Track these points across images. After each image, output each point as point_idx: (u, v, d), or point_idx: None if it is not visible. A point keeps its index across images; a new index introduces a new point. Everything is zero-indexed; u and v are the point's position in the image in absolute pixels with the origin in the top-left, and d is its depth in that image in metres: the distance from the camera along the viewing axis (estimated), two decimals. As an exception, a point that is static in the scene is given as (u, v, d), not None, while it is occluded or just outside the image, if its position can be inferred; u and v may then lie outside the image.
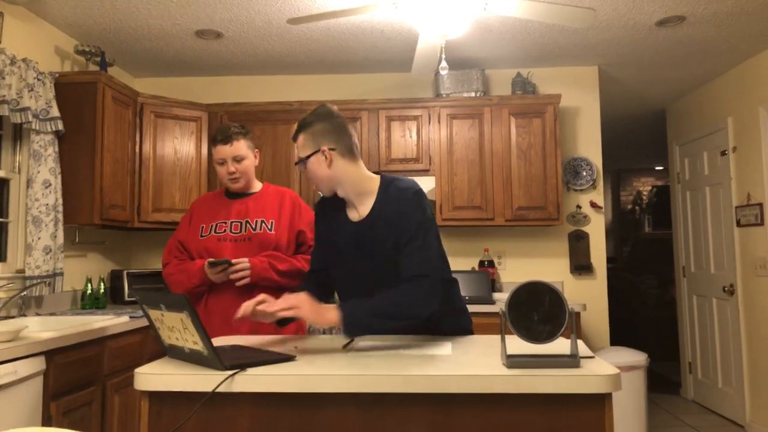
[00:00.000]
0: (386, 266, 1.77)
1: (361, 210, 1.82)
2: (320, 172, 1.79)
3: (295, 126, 1.90)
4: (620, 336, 5.97)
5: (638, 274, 7.84)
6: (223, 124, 2.36)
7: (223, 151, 2.32)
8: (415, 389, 1.37)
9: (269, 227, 2.33)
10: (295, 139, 1.82)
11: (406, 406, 1.39)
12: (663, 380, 5.50)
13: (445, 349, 1.72)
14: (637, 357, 3.39)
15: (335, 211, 1.89)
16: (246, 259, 2.26)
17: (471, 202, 3.89)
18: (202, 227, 2.37)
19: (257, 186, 2.46)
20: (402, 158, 3.96)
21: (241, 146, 2.33)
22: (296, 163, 1.83)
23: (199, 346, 1.40)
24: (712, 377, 4.69)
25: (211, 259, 2.24)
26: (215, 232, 2.35)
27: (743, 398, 4.21)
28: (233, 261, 2.25)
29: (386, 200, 1.79)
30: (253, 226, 2.33)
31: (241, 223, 2.35)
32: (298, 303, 1.65)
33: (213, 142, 2.33)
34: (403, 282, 1.70)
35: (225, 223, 2.36)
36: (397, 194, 1.78)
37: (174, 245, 2.43)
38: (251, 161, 2.38)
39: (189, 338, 1.41)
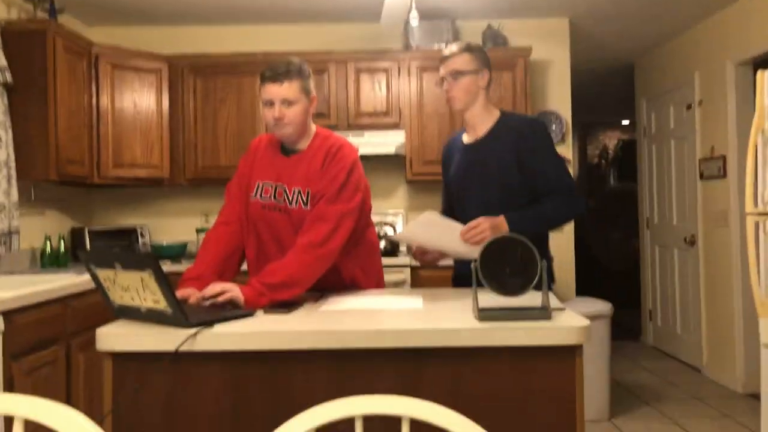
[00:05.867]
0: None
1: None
2: (473, 88, 2.05)
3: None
4: (585, 287, 6.11)
5: (603, 227, 8.00)
6: (278, 58, 1.91)
7: (272, 91, 1.84)
8: (384, 344, 1.36)
9: (305, 200, 1.87)
10: (454, 55, 2.05)
11: (376, 361, 1.39)
12: (624, 328, 5.69)
13: (416, 303, 1.72)
14: (602, 307, 3.48)
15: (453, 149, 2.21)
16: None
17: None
18: (256, 184, 1.95)
19: (308, 140, 1.95)
20: (372, 112, 3.88)
21: (294, 88, 1.84)
22: (455, 74, 2.03)
23: (161, 305, 1.36)
24: (671, 324, 4.86)
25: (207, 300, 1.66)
26: (261, 196, 1.94)
27: (700, 343, 4.38)
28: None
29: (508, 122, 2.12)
30: (290, 198, 1.89)
31: (284, 189, 1.91)
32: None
33: (261, 78, 1.88)
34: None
35: (271, 186, 1.93)
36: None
37: (228, 192, 2.02)
38: (303, 107, 1.87)
39: (148, 297, 1.36)
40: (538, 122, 2.15)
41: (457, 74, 2.02)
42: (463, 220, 1.93)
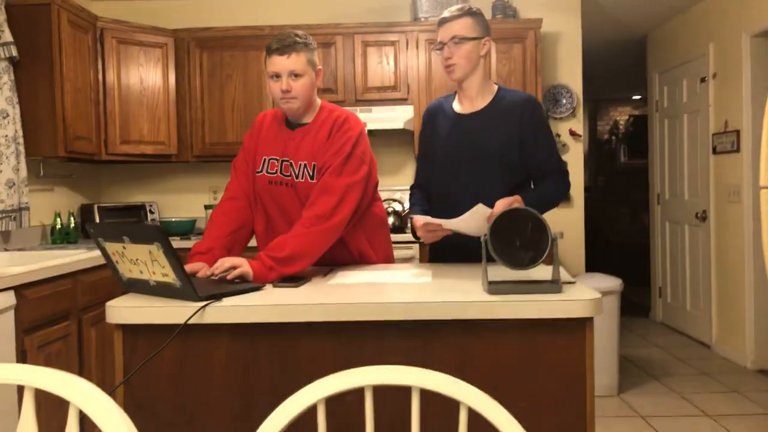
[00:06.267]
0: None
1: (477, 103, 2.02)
2: (475, 56, 1.96)
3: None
4: (595, 263, 6.10)
5: (612, 203, 7.95)
6: (283, 31, 1.88)
7: (278, 63, 1.82)
8: (393, 317, 1.36)
9: (311, 173, 1.86)
10: (454, 18, 1.93)
11: (385, 334, 1.38)
12: (633, 304, 5.68)
13: (424, 276, 1.71)
14: (612, 283, 3.46)
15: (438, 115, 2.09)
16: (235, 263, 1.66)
17: (449, 131, 3.82)
18: (262, 160, 1.94)
19: (313, 113, 1.94)
20: (379, 86, 3.83)
21: (301, 60, 1.82)
22: (457, 40, 1.92)
23: (170, 278, 1.35)
24: (681, 300, 4.84)
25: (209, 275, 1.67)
26: (267, 171, 1.92)
27: (710, 319, 4.37)
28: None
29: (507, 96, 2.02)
30: (297, 172, 1.88)
31: (290, 163, 1.90)
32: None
33: (267, 51, 1.85)
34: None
35: (277, 160, 1.92)
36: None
37: (235, 168, 2.00)
38: (310, 80, 1.86)
39: (157, 270, 1.36)
40: (537, 101, 2.08)
41: (459, 40, 1.91)
42: (454, 191, 1.92)
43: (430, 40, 3.80)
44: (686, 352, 4.31)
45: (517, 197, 1.80)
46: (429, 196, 2.11)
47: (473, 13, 1.95)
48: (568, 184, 2.02)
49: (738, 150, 3.98)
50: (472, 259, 1.82)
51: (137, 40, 3.69)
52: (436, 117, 2.10)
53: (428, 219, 1.83)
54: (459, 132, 2.01)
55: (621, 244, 6.93)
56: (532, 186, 2.03)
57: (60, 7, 3.15)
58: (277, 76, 1.83)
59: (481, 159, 1.96)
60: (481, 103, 2.01)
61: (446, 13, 1.96)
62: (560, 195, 2.00)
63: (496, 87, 2.04)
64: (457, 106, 2.06)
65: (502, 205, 1.71)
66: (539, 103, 2.07)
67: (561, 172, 2.00)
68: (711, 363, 4.06)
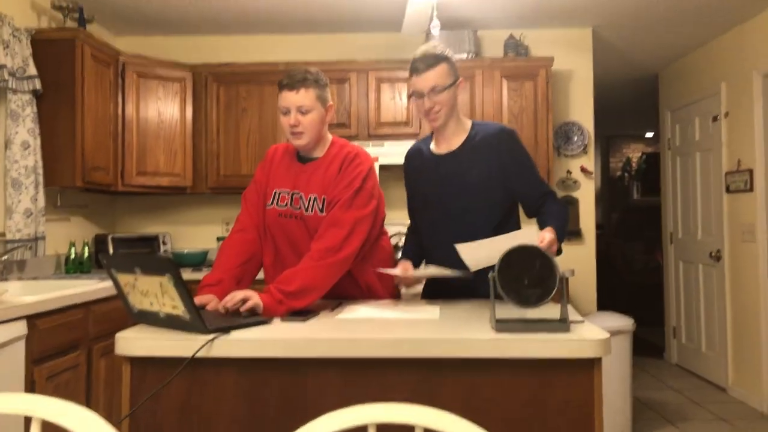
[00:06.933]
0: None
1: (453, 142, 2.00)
2: (454, 100, 1.94)
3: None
4: (607, 301, 6.03)
5: (626, 241, 7.88)
6: (296, 67, 1.94)
7: (288, 98, 1.87)
8: (400, 354, 1.35)
9: (320, 207, 1.88)
10: (430, 67, 1.87)
11: (392, 371, 1.37)
12: (647, 345, 5.58)
13: (432, 313, 1.70)
14: (623, 322, 3.41)
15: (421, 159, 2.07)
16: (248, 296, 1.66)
17: (461, 166, 3.84)
18: (273, 192, 1.97)
19: (324, 148, 1.97)
20: (392, 122, 3.89)
21: (309, 96, 1.86)
22: (440, 90, 1.88)
23: (180, 311, 1.36)
24: (696, 341, 4.75)
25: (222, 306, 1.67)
26: (277, 204, 1.94)
27: (726, 361, 4.28)
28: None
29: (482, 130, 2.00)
30: (306, 206, 1.90)
31: (300, 196, 1.92)
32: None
33: (279, 86, 1.91)
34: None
35: (287, 193, 1.94)
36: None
37: (245, 200, 2.03)
38: (319, 115, 1.89)
39: (167, 302, 1.37)
40: (511, 130, 2.01)
41: (439, 90, 1.87)
42: (441, 233, 1.93)
43: (443, 78, 3.85)
44: (701, 395, 4.21)
45: (550, 229, 1.77)
46: (421, 240, 2.10)
47: (446, 58, 1.90)
48: (562, 202, 2.04)
49: (751, 189, 3.96)
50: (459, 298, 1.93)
51: (157, 75, 3.79)
52: (415, 162, 2.08)
53: (409, 272, 1.96)
54: (439, 174, 1.99)
55: (634, 282, 6.85)
56: (533, 217, 2.01)
57: (84, 43, 3.25)
58: (287, 110, 1.88)
59: (464, 198, 1.94)
60: (456, 142, 1.98)
61: (420, 63, 1.88)
62: (568, 213, 2.03)
63: (469, 123, 2.02)
64: (434, 147, 2.04)
65: (543, 235, 1.70)
66: (514, 132, 2.01)
67: (552, 193, 1.99)
68: (727, 407, 3.95)
